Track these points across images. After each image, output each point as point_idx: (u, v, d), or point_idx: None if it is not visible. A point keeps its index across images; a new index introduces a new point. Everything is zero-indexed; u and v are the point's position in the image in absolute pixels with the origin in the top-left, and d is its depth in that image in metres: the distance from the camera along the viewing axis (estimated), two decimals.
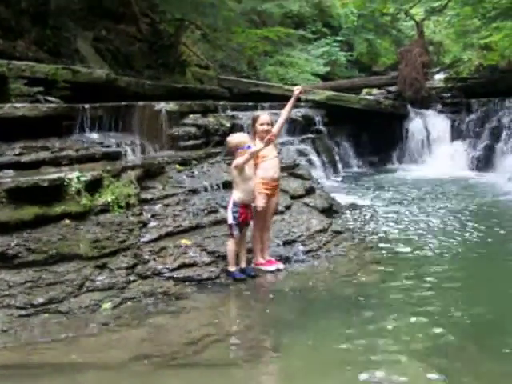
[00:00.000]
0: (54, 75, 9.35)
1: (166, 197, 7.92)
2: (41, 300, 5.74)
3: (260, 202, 6.94)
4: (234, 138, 7.02)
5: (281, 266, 7.18)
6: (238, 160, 6.75)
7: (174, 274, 6.60)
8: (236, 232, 6.80)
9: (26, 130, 7.73)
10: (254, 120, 7.10)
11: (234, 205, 6.81)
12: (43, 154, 7.70)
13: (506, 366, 4.71)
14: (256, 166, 6.98)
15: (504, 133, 15.69)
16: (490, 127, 16.38)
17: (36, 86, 8.90)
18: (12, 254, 5.96)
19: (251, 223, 7.12)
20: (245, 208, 6.82)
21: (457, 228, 9.34)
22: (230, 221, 6.83)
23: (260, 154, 6.95)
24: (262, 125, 6.98)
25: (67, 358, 4.94)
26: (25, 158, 7.46)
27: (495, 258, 7.92)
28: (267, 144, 6.72)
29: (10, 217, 6.19)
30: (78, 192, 6.82)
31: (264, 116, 7.15)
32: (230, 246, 6.83)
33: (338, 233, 8.48)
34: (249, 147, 6.77)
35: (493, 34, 19.15)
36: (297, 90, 7.38)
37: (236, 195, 6.83)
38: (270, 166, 7.06)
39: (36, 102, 8.55)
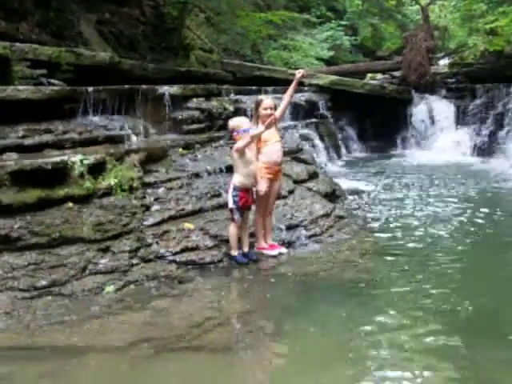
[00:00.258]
0: (58, 58, 9.33)
1: (169, 180, 7.91)
2: (44, 283, 5.76)
3: (262, 187, 6.94)
4: (232, 121, 7.00)
5: (283, 250, 7.20)
6: (239, 143, 6.73)
7: (177, 258, 6.61)
8: (237, 216, 6.80)
9: (29, 112, 7.71)
10: (258, 104, 7.06)
11: (234, 189, 6.81)
12: (46, 137, 7.68)
13: (504, 353, 4.73)
14: (258, 150, 6.97)
15: (508, 119, 15.62)
16: (495, 113, 16.32)
17: (39, 69, 8.88)
18: (15, 237, 5.97)
19: (253, 207, 7.12)
20: (245, 192, 6.81)
21: (459, 215, 9.34)
22: (231, 205, 6.83)
23: (262, 138, 6.94)
24: (265, 109, 6.94)
25: (69, 341, 4.97)
26: (28, 141, 7.44)
27: (496, 245, 7.91)
28: (268, 127, 6.70)
29: (13, 199, 6.19)
30: (81, 175, 6.81)
31: (267, 100, 7.10)
32: (232, 230, 6.84)
33: (341, 218, 8.48)
34: (244, 131, 6.73)
35: (499, 18, 18.99)
36: (298, 73, 7.31)
37: (236, 179, 6.82)
38: (272, 150, 7.05)
39: (39, 85, 8.54)
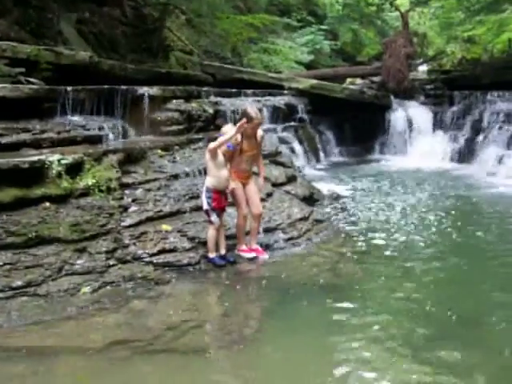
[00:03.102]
0: (36, 56, 9.27)
1: (148, 181, 7.89)
2: (19, 283, 5.71)
3: (231, 186, 6.96)
4: (227, 127, 7.02)
5: (264, 256, 7.19)
6: (210, 144, 6.75)
7: (154, 259, 6.60)
8: (214, 217, 6.80)
9: (6, 111, 7.65)
10: (248, 119, 6.78)
11: (207, 190, 6.82)
12: (24, 136, 7.63)
13: (476, 357, 4.78)
14: (233, 157, 6.98)
15: (485, 126, 15.79)
16: (472, 120, 16.48)
17: (18, 67, 8.81)
18: None
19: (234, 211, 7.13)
20: (218, 193, 6.81)
21: (435, 220, 9.41)
22: (205, 206, 6.84)
23: (243, 148, 6.96)
24: (253, 128, 6.92)
25: (44, 342, 4.94)
26: (5, 140, 7.39)
27: (469, 250, 8.00)
28: (239, 130, 6.66)
29: None
30: (59, 175, 6.77)
31: (258, 120, 6.95)
32: (210, 233, 6.83)
33: (319, 221, 8.52)
34: (229, 146, 6.77)
35: (476, 27, 19.25)
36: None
37: (209, 181, 6.83)
38: (244, 159, 7.07)
39: (17, 83, 8.46)
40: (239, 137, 6.90)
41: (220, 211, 6.89)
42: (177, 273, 6.52)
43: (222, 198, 6.86)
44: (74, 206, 6.72)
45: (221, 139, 6.66)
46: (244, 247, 7.19)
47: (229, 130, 6.80)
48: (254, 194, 7.22)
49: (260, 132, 7.14)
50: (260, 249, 7.26)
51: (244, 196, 7.09)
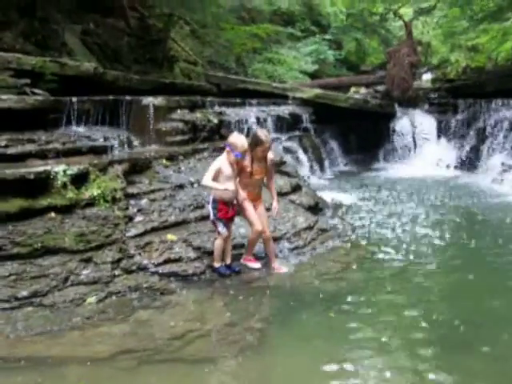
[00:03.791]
0: (42, 68, 9.31)
1: (153, 192, 7.91)
2: (25, 293, 5.72)
3: (240, 196, 6.95)
4: (233, 136, 6.88)
5: (284, 269, 7.14)
6: (205, 178, 6.71)
7: (160, 269, 6.60)
8: (221, 227, 6.78)
9: (12, 122, 7.69)
10: (256, 143, 6.88)
11: (213, 201, 6.80)
12: (29, 147, 7.67)
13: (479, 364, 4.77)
14: (243, 172, 6.97)
15: (489, 134, 15.78)
16: (476, 128, 16.45)
17: (23, 78, 8.85)
18: None
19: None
20: (224, 204, 6.78)
21: (440, 229, 9.38)
22: (212, 217, 6.84)
23: (253, 171, 6.95)
24: (263, 151, 6.92)
25: (50, 352, 4.94)
26: (11, 150, 7.43)
27: (475, 259, 7.97)
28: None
29: None
30: (64, 185, 6.80)
31: (268, 144, 6.93)
32: (218, 243, 6.83)
33: (324, 231, 8.51)
34: (236, 155, 6.69)
35: (480, 35, 19.25)
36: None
37: (215, 192, 6.81)
38: (253, 182, 7.06)
39: (23, 95, 8.50)
40: (249, 159, 6.91)
41: (227, 221, 6.87)
42: (182, 282, 6.52)
43: (228, 208, 6.84)
44: (79, 217, 6.74)
45: (214, 184, 6.64)
46: (250, 257, 7.19)
47: (236, 140, 6.76)
48: (262, 216, 7.17)
49: (270, 155, 7.12)
50: (278, 265, 7.18)
51: (255, 212, 7.04)
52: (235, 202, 6.95)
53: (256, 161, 6.96)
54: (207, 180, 6.67)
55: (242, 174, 7.01)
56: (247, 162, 6.92)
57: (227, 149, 6.76)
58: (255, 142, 6.90)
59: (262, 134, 7.02)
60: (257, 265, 7.13)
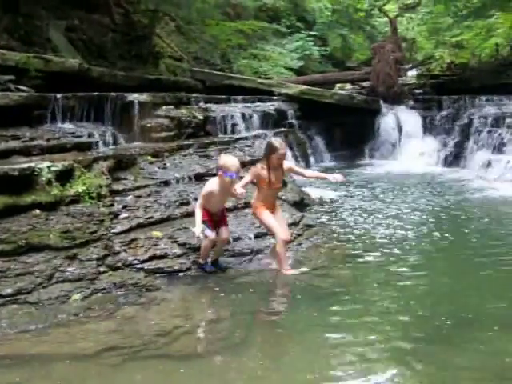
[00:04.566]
0: (26, 64, 9.28)
1: (138, 188, 7.90)
2: (9, 290, 5.69)
3: (259, 210, 6.90)
4: (222, 159, 6.69)
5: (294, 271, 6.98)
6: (197, 203, 6.67)
7: (145, 266, 6.59)
8: (206, 231, 6.61)
9: None
10: (271, 150, 6.78)
11: (199, 206, 6.66)
12: (13, 143, 7.63)
13: (465, 358, 4.80)
14: (261, 184, 6.88)
15: (474, 130, 15.88)
16: (461, 124, 16.56)
17: (7, 75, 8.81)
18: None
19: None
20: (207, 212, 6.63)
21: (424, 224, 9.46)
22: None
23: (271, 181, 6.83)
24: (279, 159, 6.82)
25: (35, 350, 4.92)
26: None
27: (459, 254, 8.01)
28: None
29: None
30: (49, 182, 6.78)
31: (282, 151, 6.83)
32: (206, 243, 6.71)
33: (310, 226, 8.53)
34: (230, 176, 6.47)
35: (464, 32, 19.41)
36: (333, 179, 7.10)
37: (201, 197, 6.69)
38: (271, 193, 6.98)
39: (6, 91, 8.46)
40: (265, 170, 6.82)
41: (213, 225, 6.71)
42: (168, 279, 6.52)
43: (211, 218, 6.69)
44: (64, 213, 6.72)
45: (198, 216, 6.53)
46: (287, 267, 6.93)
47: (226, 161, 6.60)
48: (281, 221, 7.13)
49: (287, 163, 7.07)
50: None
51: (275, 220, 6.95)
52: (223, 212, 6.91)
53: (273, 170, 6.84)
54: (197, 206, 6.64)
55: (260, 186, 6.92)
56: (265, 172, 6.83)
57: (219, 173, 6.56)
58: (270, 150, 6.81)
59: (276, 141, 6.94)
60: (297, 271, 6.94)
